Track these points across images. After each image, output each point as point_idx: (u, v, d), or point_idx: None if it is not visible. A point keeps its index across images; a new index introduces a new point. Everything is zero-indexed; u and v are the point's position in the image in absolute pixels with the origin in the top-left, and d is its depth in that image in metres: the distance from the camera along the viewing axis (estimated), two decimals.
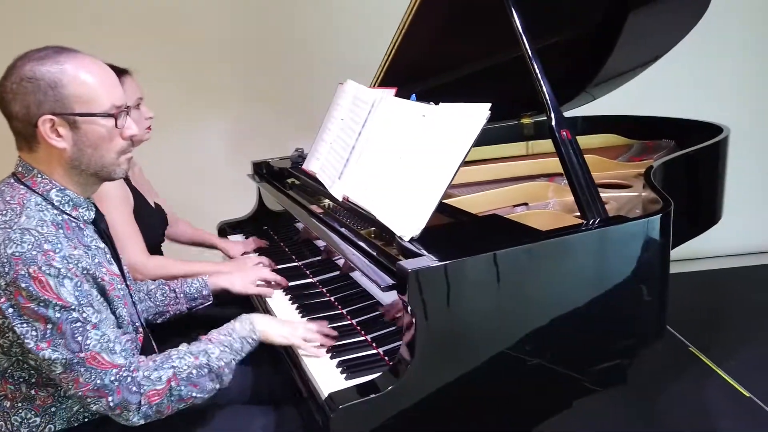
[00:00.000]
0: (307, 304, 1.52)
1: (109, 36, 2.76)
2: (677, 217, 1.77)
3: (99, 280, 1.09)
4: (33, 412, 1.11)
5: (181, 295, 1.52)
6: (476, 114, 1.20)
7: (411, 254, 1.15)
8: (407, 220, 1.23)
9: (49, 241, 1.01)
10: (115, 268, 1.19)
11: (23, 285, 0.98)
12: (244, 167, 2.22)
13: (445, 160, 1.21)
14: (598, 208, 1.26)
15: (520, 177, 2.00)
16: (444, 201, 1.66)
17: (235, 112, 3.05)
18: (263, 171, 2.15)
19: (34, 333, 1.00)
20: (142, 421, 1.08)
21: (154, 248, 1.76)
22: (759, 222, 3.60)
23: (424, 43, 1.89)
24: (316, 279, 1.66)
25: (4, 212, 1.05)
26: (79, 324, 1.02)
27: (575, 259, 1.17)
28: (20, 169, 1.11)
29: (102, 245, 1.17)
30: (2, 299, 1.00)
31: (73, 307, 1.01)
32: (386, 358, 1.23)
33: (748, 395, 2.23)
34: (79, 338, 1.02)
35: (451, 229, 1.32)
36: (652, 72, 2.42)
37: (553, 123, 1.32)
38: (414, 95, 1.51)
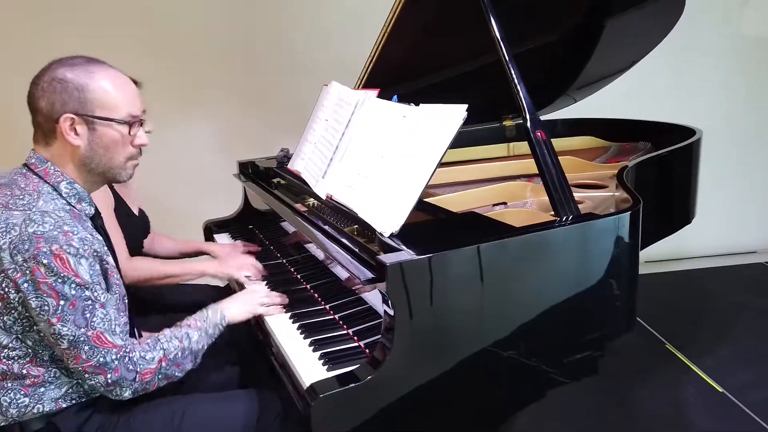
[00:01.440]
0: (291, 301, 1.56)
1: (94, 37, 2.78)
2: (650, 215, 1.85)
3: (104, 263, 1.18)
4: (22, 392, 1.17)
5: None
6: (453, 115, 1.24)
7: (390, 249, 1.19)
8: (387, 217, 1.27)
9: (68, 223, 1.11)
10: (111, 260, 1.25)
11: (45, 261, 1.06)
12: (232, 167, 2.25)
13: (423, 159, 1.26)
14: (570, 206, 1.31)
15: (501, 177, 2.05)
16: (425, 200, 1.72)
17: (222, 113, 3.08)
18: (249, 171, 2.19)
19: (47, 308, 1.08)
20: (131, 396, 1.19)
21: (134, 253, 1.75)
22: (736, 223, 3.69)
23: (407, 46, 1.93)
24: (300, 275, 1.70)
25: (21, 197, 1.14)
26: (90, 302, 1.11)
27: (547, 254, 1.22)
28: (33, 160, 1.20)
29: (101, 238, 1.24)
30: (18, 275, 1.08)
31: (87, 285, 1.11)
32: (367, 350, 1.27)
33: (720, 390, 2.30)
34: (88, 315, 1.11)
35: (429, 226, 1.37)
36: (633, 75, 2.49)
37: (529, 124, 1.37)
38: (396, 96, 1.55)
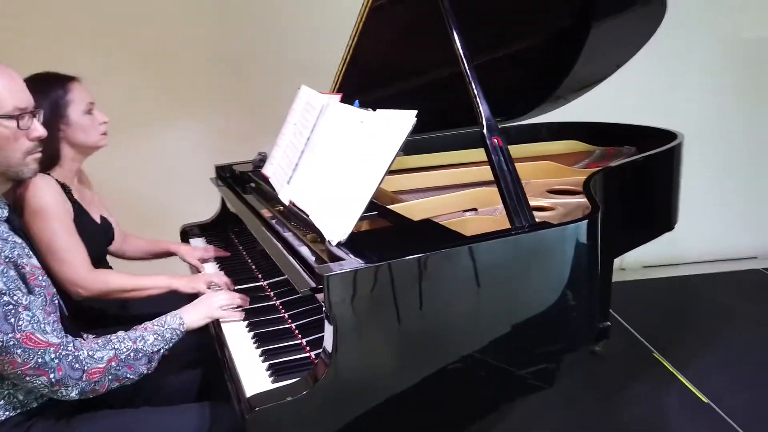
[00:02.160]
0: (252, 309, 1.54)
1: (79, 40, 2.80)
2: (627, 221, 1.82)
3: (20, 267, 1.14)
4: None
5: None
6: (403, 121, 1.22)
7: (336, 258, 1.17)
8: (336, 225, 1.25)
9: None
10: (35, 261, 1.23)
11: None
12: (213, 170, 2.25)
13: (372, 166, 1.24)
14: (525, 215, 1.28)
15: (477, 182, 2.02)
16: (392, 206, 1.70)
17: (208, 114, 3.08)
18: (226, 175, 2.18)
19: None
20: (78, 396, 1.16)
21: (97, 264, 1.70)
22: (732, 228, 3.62)
23: (380, 50, 1.91)
24: (266, 282, 1.69)
25: None
26: (10, 306, 1.08)
27: (496, 264, 1.19)
28: None
29: (19, 240, 1.21)
30: None
31: (3, 291, 1.07)
32: (316, 361, 1.25)
33: (706, 401, 2.25)
34: (12, 320, 1.08)
35: (380, 234, 1.34)
36: (627, 78, 2.45)
37: (485, 130, 1.34)
38: (357, 101, 1.53)
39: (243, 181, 2.07)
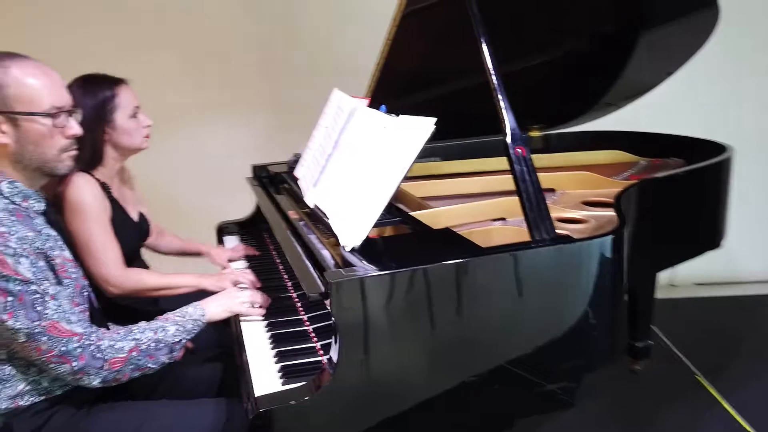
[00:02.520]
0: (273, 308, 1.55)
1: (124, 40, 2.92)
2: (666, 237, 1.73)
3: (50, 259, 1.19)
4: None
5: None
6: (421, 128, 1.20)
7: (348, 264, 1.17)
8: (351, 231, 1.25)
9: (4, 224, 1.12)
10: (67, 253, 1.27)
11: None
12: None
13: (389, 172, 1.23)
14: (546, 227, 1.24)
15: (508, 192, 1.97)
16: (419, 212, 1.68)
17: (249, 113, 3.15)
18: (262, 175, 2.21)
19: None
20: (100, 384, 1.20)
21: (131, 260, 1.76)
22: None
23: (414, 56, 1.90)
24: (290, 283, 1.70)
25: None
26: (38, 296, 1.12)
27: (510, 277, 1.16)
28: None
29: (53, 233, 1.25)
30: None
31: (31, 281, 1.12)
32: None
33: (750, 431, 2.12)
34: (39, 308, 1.12)
35: (396, 241, 1.33)
36: (679, 87, 2.35)
37: (508, 140, 1.31)
38: (384, 106, 1.52)
39: (277, 181, 2.10)
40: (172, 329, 1.29)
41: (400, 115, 1.35)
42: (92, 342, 1.18)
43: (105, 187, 1.69)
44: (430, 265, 1.09)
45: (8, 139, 1.18)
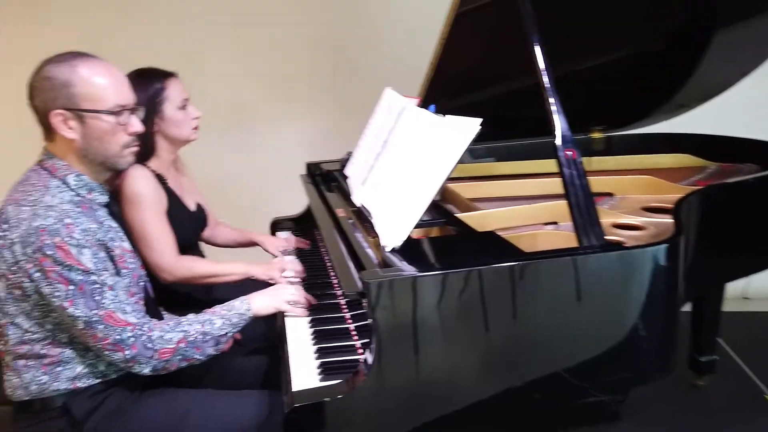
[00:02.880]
0: (317, 305, 1.56)
1: (194, 35, 3.03)
2: (733, 247, 1.63)
3: (110, 250, 1.25)
4: (41, 371, 1.26)
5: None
6: (466, 129, 1.18)
7: (387, 265, 1.16)
8: (393, 231, 1.24)
9: (70, 216, 1.19)
10: (127, 245, 1.33)
11: (49, 252, 1.15)
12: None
13: (432, 173, 1.21)
14: (595, 233, 1.19)
15: (561, 195, 1.91)
16: (467, 214, 1.66)
17: (315, 111, 3.20)
18: (316, 172, 2.24)
19: (58, 293, 1.17)
20: (151, 372, 1.26)
21: (189, 249, 1.82)
22: None
23: (468, 56, 1.88)
24: (336, 279, 1.71)
25: (31, 193, 1.22)
26: (97, 286, 1.19)
27: (553, 285, 1.12)
28: (43, 157, 1.29)
29: (114, 225, 1.32)
30: (29, 265, 1.17)
31: (92, 271, 1.18)
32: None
33: None
34: (98, 297, 1.18)
35: (438, 243, 1.31)
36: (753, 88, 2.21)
37: (558, 142, 1.26)
38: (433, 106, 1.51)
39: (329, 179, 2.12)
40: (218, 322, 1.33)
41: (447, 116, 1.33)
42: (144, 332, 1.23)
43: (161, 178, 1.76)
44: (467, 268, 1.07)
45: (75, 134, 1.24)
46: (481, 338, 1.10)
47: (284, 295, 1.48)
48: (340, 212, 1.71)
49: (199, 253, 1.97)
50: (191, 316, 1.33)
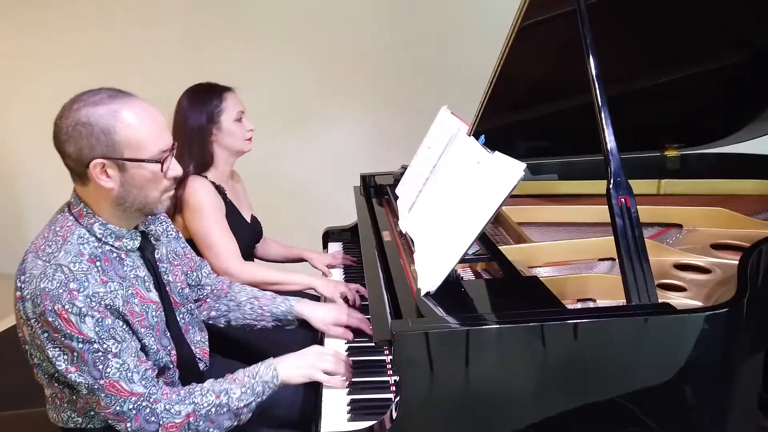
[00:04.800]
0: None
1: (252, 40, 3.06)
2: None
3: (124, 315, 1.17)
4: (76, 413, 1.26)
5: (268, 314, 1.56)
6: (510, 174, 1.12)
7: (420, 313, 1.13)
8: (429, 274, 1.20)
9: (77, 279, 1.11)
10: (153, 295, 1.27)
11: (50, 319, 1.09)
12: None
13: (472, 217, 1.16)
14: (647, 291, 1.10)
15: None
16: (516, 246, 1.59)
17: (373, 117, 3.18)
18: (370, 185, 2.22)
19: (64, 357, 1.13)
20: None
21: (246, 258, 1.86)
22: None
23: (531, 69, 1.79)
24: None
25: (51, 243, 1.16)
26: (100, 353, 1.11)
27: (591, 346, 1.04)
28: (72, 200, 1.22)
29: (142, 274, 1.26)
30: (38, 325, 1.13)
31: (93, 340, 1.11)
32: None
33: None
34: (100, 366, 1.12)
35: (477, 288, 1.26)
36: None
37: (611, 186, 1.17)
38: (483, 137, 1.44)
39: (381, 194, 2.09)
40: (237, 392, 1.20)
41: (495, 152, 1.27)
42: (149, 404, 1.14)
43: (219, 189, 1.83)
44: (499, 325, 1.02)
45: (113, 183, 1.15)
46: (515, 397, 1.04)
47: (321, 363, 1.29)
48: (386, 236, 1.68)
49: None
50: (207, 385, 1.21)
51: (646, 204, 1.80)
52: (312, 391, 1.37)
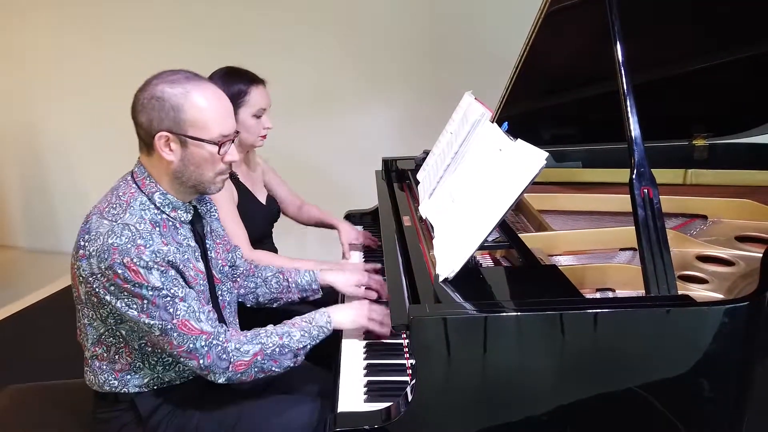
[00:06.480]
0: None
1: (280, 22, 3.07)
2: None
3: (182, 272, 1.26)
4: (113, 376, 1.32)
5: (293, 285, 1.64)
6: (532, 162, 1.11)
7: (437, 299, 1.14)
8: (447, 260, 1.21)
9: (143, 237, 1.20)
10: (201, 265, 1.35)
11: (119, 271, 1.18)
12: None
13: (493, 205, 1.16)
14: (667, 283, 1.09)
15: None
16: (537, 234, 1.59)
17: (402, 102, 3.17)
18: (392, 169, 2.22)
19: (135, 306, 1.21)
20: (226, 382, 1.27)
21: (262, 242, 1.88)
22: None
23: (558, 55, 1.77)
24: None
25: (115, 206, 1.26)
26: (168, 298, 1.21)
27: (608, 336, 1.04)
28: (136, 169, 1.32)
29: (193, 244, 1.34)
30: (104, 279, 1.20)
31: (161, 288, 1.20)
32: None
33: None
34: (171, 309, 1.21)
35: (497, 275, 1.26)
36: None
37: (634, 176, 1.16)
38: (506, 124, 1.43)
39: (403, 179, 2.09)
40: (297, 335, 1.31)
41: (518, 140, 1.26)
42: (220, 342, 1.23)
43: (232, 175, 1.82)
44: (516, 313, 1.02)
45: (174, 157, 1.25)
46: (529, 384, 1.05)
47: (368, 312, 1.42)
48: (407, 221, 1.69)
49: (272, 246, 2.03)
50: (270, 328, 1.32)
51: (671, 194, 1.79)
52: (330, 373, 1.40)
